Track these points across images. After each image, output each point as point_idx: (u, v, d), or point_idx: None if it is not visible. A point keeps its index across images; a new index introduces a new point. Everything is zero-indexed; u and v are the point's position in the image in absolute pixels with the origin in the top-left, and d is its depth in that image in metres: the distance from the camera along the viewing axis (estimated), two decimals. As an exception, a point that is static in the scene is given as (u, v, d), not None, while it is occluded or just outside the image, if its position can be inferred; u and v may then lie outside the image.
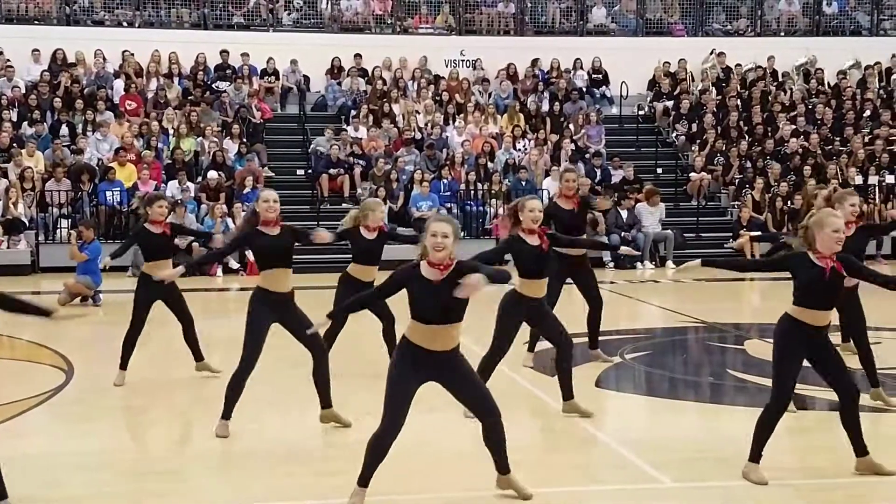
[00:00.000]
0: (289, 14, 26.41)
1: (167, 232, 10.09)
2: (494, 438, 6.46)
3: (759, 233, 16.00)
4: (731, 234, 21.87)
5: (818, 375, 7.06)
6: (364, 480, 6.35)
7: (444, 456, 7.58)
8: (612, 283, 17.94)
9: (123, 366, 10.06)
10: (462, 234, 20.29)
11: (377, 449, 6.28)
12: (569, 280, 10.53)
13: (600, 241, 15.95)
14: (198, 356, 10.34)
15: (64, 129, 22.07)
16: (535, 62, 25.89)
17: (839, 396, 6.99)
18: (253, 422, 8.47)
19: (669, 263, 20.69)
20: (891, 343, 12.03)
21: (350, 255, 10.34)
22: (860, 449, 7.05)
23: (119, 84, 23.69)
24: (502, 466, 6.57)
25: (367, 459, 6.33)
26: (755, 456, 6.97)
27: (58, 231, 19.86)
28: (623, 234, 20.57)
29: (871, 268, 7.45)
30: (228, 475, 7.33)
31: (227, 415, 8.13)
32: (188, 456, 7.99)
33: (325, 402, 8.30)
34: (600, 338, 10.93)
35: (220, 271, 19.47)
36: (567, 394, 8.67)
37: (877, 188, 22.67)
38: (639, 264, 20.33)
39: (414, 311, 6.21)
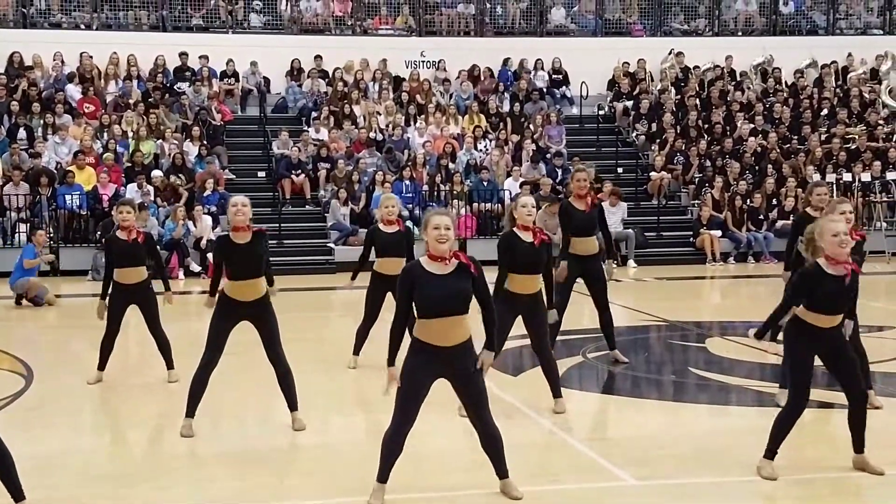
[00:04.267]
0: (245, 15, 26.26)
1: (139, 240, 9.86)
2: (492, 445, 6.50)
3: None
4: (691, 233, 22.09)
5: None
6: (382, 477, 6.37)
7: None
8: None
9: (101, 367, 10.06)
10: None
11: (392, 444, 6.30)
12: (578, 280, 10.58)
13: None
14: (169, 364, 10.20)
15: (21, 133, 21.83)
16: (506, 61, 26.00)
17: (847, 396, 7.00)
18: (212, 424, 8.44)
19: (631, 262, 20.79)
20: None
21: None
22: (858, 446, 7.07)
23: (77, 87, 23.47)
24: (500, 471, 6.58)
25: (382, 456, 6.36)
26: (770, 453, 7.00)
27: (16, 235, 19.64)
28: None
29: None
30: (186, 478, 7.27)
31: (190, 413, 8.09)
32: (143, 460, 7.93)
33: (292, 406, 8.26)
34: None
35: (181, 273, 19.31)
36: (555, 392, 8.84)
37: (834, 186, 22.89)
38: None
39: (421, 308, 6.20)
